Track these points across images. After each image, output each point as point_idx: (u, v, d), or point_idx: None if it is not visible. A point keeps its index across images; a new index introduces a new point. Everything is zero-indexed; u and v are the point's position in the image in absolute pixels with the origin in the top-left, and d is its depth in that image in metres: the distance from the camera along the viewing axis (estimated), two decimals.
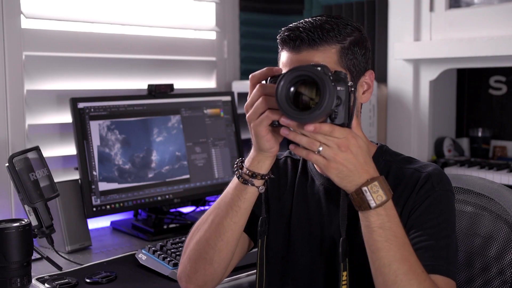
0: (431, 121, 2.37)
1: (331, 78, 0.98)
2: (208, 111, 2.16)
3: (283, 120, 1.00)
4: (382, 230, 1.02)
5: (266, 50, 2.61)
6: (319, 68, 0.98)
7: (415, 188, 1.15)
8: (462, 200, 1.41)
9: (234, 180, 1.15)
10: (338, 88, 1.00)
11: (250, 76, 1.09)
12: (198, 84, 2.48)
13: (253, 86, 1.08)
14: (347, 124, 1.03)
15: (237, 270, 1.53)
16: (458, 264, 1.15)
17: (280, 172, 1.33)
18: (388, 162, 1.22)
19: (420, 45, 2.27)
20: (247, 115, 1.07)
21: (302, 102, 1.01)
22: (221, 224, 1.15)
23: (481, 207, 1.37)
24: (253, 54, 2.63)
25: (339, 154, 1.00)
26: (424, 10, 2.29)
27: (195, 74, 2.47)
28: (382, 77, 2.45)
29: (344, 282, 1.10)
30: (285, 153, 1.35)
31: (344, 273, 1.10)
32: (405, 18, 2.33)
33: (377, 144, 1.28)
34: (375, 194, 1.01)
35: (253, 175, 1.11)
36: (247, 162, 1.13)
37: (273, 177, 1.18)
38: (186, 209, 2.17)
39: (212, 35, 2.52)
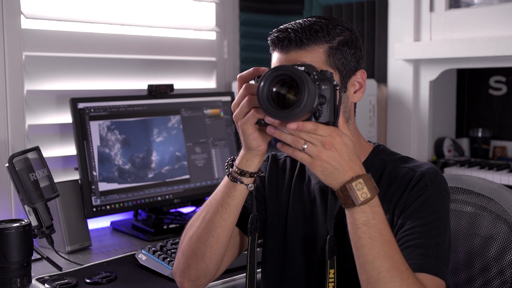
0: (431, 121, 2.37)
1: (316, 77, 1.01)
2: (208, 111, 2.16)
3: (268, 119, 1.03)
4: (367, 227, 1.03)
5: (266, 51, 2.59)
6: (302, 68, 1.01)
7: (407, 186, 1.16)
8: (462, 200, 1.41)
9: (225, 178, 1.17)
10: (323, 87, 1.02)
11: (237, 76, 1.12)
12: (198, 84, 2.48)
13: (240, 86, 1.10)
14: (332, 123, 1.05)
15: (235, 270, 1.53)
16: (450, 263, 1.14)
17: (279, 172, 1.34)
18: (383, 161, 1.23)
19: (420, 45, 2.27)
20: (233, 114, 1.10)
21: (285, 101, 1.03)
22: (212, 220, 1.17)
23: (481, 207, 1.37)
24: (253, 54, 2.63)
25: (323, 152, 1.01)
26: (424, 10, 2.30)
27: (195, 74, 2.47)
28: (382, 77, 2.45)
29: (331, 280, 1.11)
30: (285, 153, 1.36)
31: (332, 271, 1.11)
32: (405, 18, 2.33)
33: (374, 144, 1.28)
34: (360, 192, 1.02)
35: (242, 173, 1.14)
36: (237, 160, 1.15)
37: (264, 175, 1.21)
38: (186, 209, 2.17)
39: (212, 35, 2.52)
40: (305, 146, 1.02)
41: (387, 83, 2.43)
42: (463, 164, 2.28)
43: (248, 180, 1.15)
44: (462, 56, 2.13)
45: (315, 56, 1.14)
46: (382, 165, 1.22)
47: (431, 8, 2.28)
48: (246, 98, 1.07)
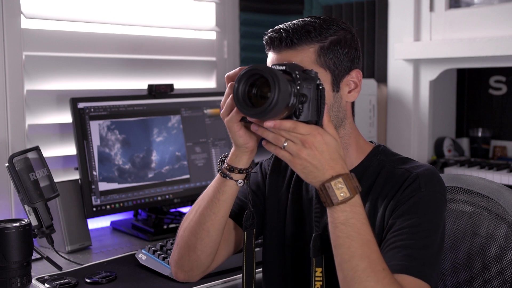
0: (431, 121, 2.37)
1: (297, 76, 1.03)
2: (208, 111, 2.16)
3: (249, 117, 1.06)
4: (345, 226, 1.03)
5: None
6: (283, 67, 1.04)
7: (400, 187, 1.16)
8: (462, 200, 1.41)
9: (217, 174, 1.21)
10: (305, 86, 1.04)
11: (225, 76, 1.15)
12: (198, 84, 2.48)
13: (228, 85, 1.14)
14: (316, 122, 1.06)
15: (235, 270, 1.53)
16: (439, 266, 1.12)
17: (281, 170, 1.35)
18: (382, 162, 1.23)
19: (420, 45, 2.27)
20: (220, 113, 1.14)
21: (261, 99, 1.05)
22: (202, 214, 1.21)
23: (481, 207, 1.37)
24: (253, 54, 2.63)
25: (303, 150, 1.03)
26: (424, 10, 2.30)
27: (195, 74, 2.47)
28: (382, 77, 2.45)
29: (318, 279, 1.12)
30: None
31: (319, 270, 1.12)
32: (405, 18, 2.33)
33: (375, 144, 1.28)
34: (339, 191, 1.03)
35: (231, 169, 1.18)
36: (228, 157, 1.19)
37: (255, 172, 1.25)
38: (186, 209, 2.17)
39: (212, 35, 2.52)
40: (286, 144, 1.04)
41: (387, 83, 2.43)
42: (463, 164, 2.28)
43: (237, 176, 1.18)
44: (462, 56, 2.13)
45: (305, 56, 1.15)
46: (380, 166, 1.23)
47: (431, 8, 2.28)
48: (230, 96, 1.11)
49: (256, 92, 1.05)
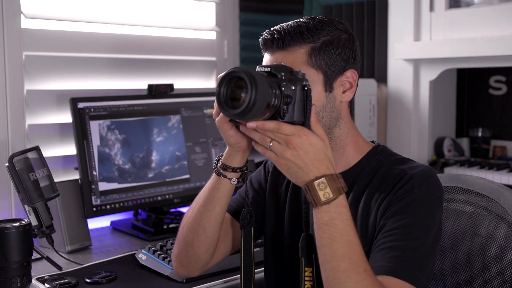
0: (431, 121, 2.37)
1: (283, 77, 1.04)
2: (208, 111, 2.16)
3: (235, 119, 1.08)
4: (328, 227, 1.04)
5: None
6: (268, 69, 1.06)
7: (394, 188, 1.15)
8: (462, 200, 1.41)
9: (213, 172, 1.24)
10: (291, 87, 1.05)
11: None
12: (198, 84, 2.48)
13: None
14: (302, 123, 1.06)
15: (235, 270, 1.53)
16: (429, 269, 1.10)
17: None
18: (379, 162, 1.23)
19: (420, 45, 2.27)
20: (213, 113, 1.17)
21: (242, 101, 1.07)
22: (199, 211, 1.24)
23: (481, 207, 1.37)
24: (253, 54, 2.63)
25: (287, 151, 1.04)
26: (424, 10, 2.30)
27: (195, 74, 2.47)
28: (382, 77, 2.45)
29: (308, 279, 1.12)
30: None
31: (309, 269, 1.13)
32: (405, 18, 2.33)
33: (375, 143, 1.28)
34: (322, 192, 1.04)
35: (225, 167, 1.21)
36: (223, 156, 1.22)
37: (250, 171, 1.26)
38: (186, 209, 2.17)
39: (212, 35, 2.52)
40: (271, 144, 1.05)
41: (387, 83, 2.43)
42: (463, 164, 2.28)
43: (231, 175, 1.21)
44: (462, 56, 2.13)
45: (297, 57, 1.16)
46: (378, 165, 1.22)
47: (431, 8, 2.28)
48: None
49: (240, 94, 1.06)
